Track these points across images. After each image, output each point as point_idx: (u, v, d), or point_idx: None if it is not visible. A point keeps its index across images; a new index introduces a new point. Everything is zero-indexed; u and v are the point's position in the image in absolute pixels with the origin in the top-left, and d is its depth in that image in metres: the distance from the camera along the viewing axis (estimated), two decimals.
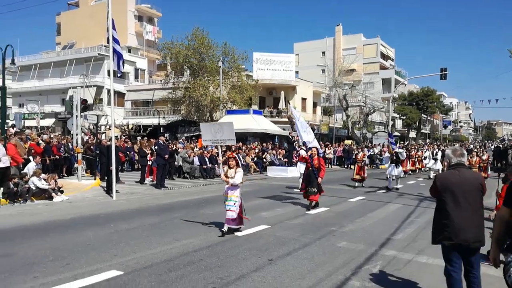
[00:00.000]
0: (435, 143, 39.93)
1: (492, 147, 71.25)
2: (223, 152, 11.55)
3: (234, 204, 7.49)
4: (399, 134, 60.36)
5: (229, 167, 7.64)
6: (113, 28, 11.69)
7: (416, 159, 24.46)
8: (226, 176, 7.58)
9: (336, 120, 45.12)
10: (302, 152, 15.16)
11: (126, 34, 48.73)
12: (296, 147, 26.11)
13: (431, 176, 20.54)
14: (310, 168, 10.72)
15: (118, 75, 13.30)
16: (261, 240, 7.22)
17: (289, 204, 11.71)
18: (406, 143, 42.74)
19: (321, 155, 11.78)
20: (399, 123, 64.36)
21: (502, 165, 28.49)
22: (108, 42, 11.80)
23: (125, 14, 50.38)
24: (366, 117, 46.03)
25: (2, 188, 10.71)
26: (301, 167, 15.30)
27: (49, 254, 6.06)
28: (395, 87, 55.73)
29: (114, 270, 5.34)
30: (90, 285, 4.82)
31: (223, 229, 7.52)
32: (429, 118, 73.43)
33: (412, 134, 67.54)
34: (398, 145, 21.06)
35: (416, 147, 28.56)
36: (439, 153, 21.74)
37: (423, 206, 11.60)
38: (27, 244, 6.66)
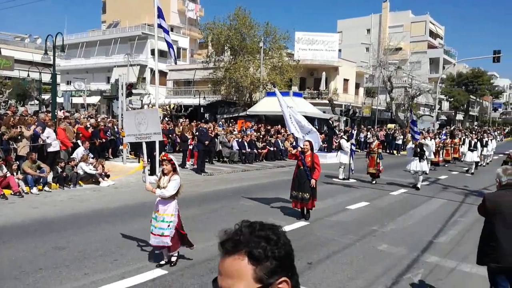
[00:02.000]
0: (483, 130, 37.39)
1: None
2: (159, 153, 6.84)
3: (168, 226, 5.57)
4: (445, 118, 57.98)
5: (163, 173, 5.72)
6: (162, 16, 11.74)
7: (452, 147, 21.62)
8: (158, 186, 5.72)
9: (380, 103, 43.85)
10: (343, 142, 14.96)
11: (169, 13, 49.04)
12: (337, 131, 25.78)
13: (471, 171, 18.44)
14: (302, 167, 8.68)
15: (174, 62, 13.37)
16: (302, 240, 7.23)
17: (328, 197, 11.61)
18: (452, 127, 41.03)
19: (317, 151, 9.55)
20: (445, 105, 61.72)
21: None
22: (158, 27, 11.88)
23: None
24: (412, 99, 44.34)
25: (52, 172, 11.29)
26: (341, 156, 15.13)
27: (98, 248, 6.37)
28: (443, 67, 53.20)
29: (158, 269, 5.54)
30: (137, 285, 5.04)
31: (161, 262, 5.72)
32: (478, 100, 69.87)
33: (459, 116, 64.64)
34: (429, 133, 19.02)
35: (458, 133, 25.23)
36: (478, 143, 19.43)
37: (469, 202, 11.17)
38: (78, 235, 7.03)
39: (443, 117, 54.74)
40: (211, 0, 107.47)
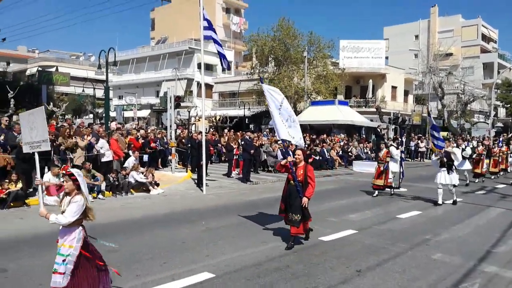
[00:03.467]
0: None
1: None
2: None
3: (64, 261, 4.11)
4: (502, 125, 54.80)
5: (65, 193, 4.27)
6: (212, 28, 12.10)
7: (500, 157, 18.83)
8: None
9: (431, 110, 42.24)
10: (393, 150, 14.48)
11: (214, 27, 50.35)
12: (386, 140, 25.10)
13: None
14: (292, 182, 7.05)
15: (227, 69, 13.72)
16: (349, 248, 7.07)
17: (378, 205, 11.30)
18: (510, 135, 38.71)
19: (297, 142, 8.14)
20: (502, 112, 58.37)
21: None
22: (209, 39, 12.22)
23: (214, 7, 51.98)
24: (465, 106, 42.35)
25: (105, 181, 11.80)
26: (391, 164, 14.64)
27: (148, 251, 6.56)
28: (498, 72, 50.51)
29: (206, 272, 5.61)
30: (186, 287, 5.13)
31: None
32: None
33: None
34: (465, 142, 15.61)
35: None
36: None
37: None
38: (129, 239, 7.28)
39: (500, 124, 51.75)
40: (255, 12, 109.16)
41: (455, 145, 13.15)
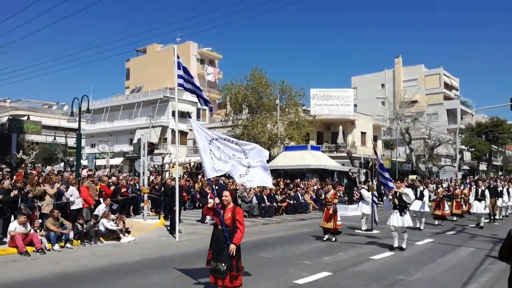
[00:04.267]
0: (491, 177, 34.83)
1: None
2: None
3: None
4: (468, 168, 56.82)
5: None
6: (189, 75, 12.44)
7: (462, 199, 18.43)
8: None
9: (399, 154, 43.56)
10: (364, 192, 14.82)
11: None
12: (358, 184, 25.53)
13: (481, 224, 15.90)
14: (220, 227, 6.24)
15: (210, 110, 13.73)
16: None
17: (351, 247, 11.34)
18: (476, 177, 40.10)
19: (240, 203, 7.46)
20: (467, 156, 60.73)
21: None
22: (181, 86, 12.49)
23: (189, 58, 53.33)
24: (431, 150, 43.99)
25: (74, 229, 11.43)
26: (363, 207, 14.93)
27: None
28: (461, 118, 53.08)
29: None
30: None
31: None
32: (500, 149, 68.58)
33: (483, 167, 63.23)
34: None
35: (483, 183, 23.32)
36: (487, 192, 16.12)
37: (493, 255, 10.72)
38: None
39: (466, 167, 53.66)
40: (228, 63, 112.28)
41: (404, 185, 11.87)
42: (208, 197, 16.64)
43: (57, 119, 54.24)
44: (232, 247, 5.97)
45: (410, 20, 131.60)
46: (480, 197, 16.05)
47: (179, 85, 12.31)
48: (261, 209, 18.67)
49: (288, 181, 24.53)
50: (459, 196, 18.34)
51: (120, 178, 18.11)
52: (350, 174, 26.48)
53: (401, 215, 10.67)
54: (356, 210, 17.48)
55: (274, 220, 17.76)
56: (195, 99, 46.62)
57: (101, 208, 12.82)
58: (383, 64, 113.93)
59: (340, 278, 7.87)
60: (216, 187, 15.97)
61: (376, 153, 15.13)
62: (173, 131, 41.97)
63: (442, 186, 18.98)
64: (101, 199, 13.69)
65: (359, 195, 17.07)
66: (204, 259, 9.23)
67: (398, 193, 10.82)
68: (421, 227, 15.16)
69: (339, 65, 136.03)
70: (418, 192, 15.82)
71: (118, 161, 43.78)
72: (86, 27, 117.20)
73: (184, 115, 43.74)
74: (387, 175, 11.52)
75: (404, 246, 10.74)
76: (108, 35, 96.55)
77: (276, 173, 28.63)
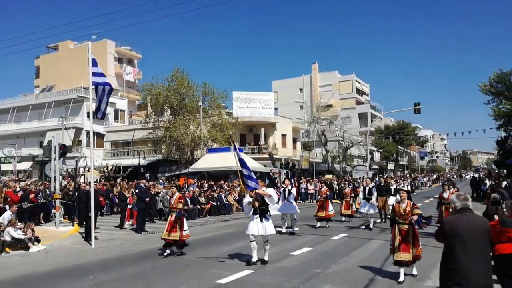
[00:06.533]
0: (386, 176, 34.70)
1: (468, 177, 73.11)
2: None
3: None
4: (378, 167, 61.30)
5: None
6: (95, 65, 11.81)
7: (352, 198, 17.49)
8: None
9: (316, 155, 45.64)
10: (293, 191, 15.14)
11: (106, 76, 48.97)
12: (278, 184, 26.26)
13: (370, 225, 14.84)
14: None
15: (101, 118, 12.83)
16: None
17: (272, 245, 11.56)
18: (385, 175, 43.40)
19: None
20: (377, 156, 65.52)
21: (478, 195, 29.11)
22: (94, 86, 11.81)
23: (105, 56, 50.81)
24: (345, 151, 46.82)
25: None
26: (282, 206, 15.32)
27: None
28: (371, 121, 57.16)
29: None
30: None
31: None
32: (406, 150, 75.09)
33: (391, 166, 68.68)
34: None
35: (390, 181, 22.62)
36: (374, 190, 15.35)
37: None
38: None
39: (376, 167, 57.84)
40: (148, 63, 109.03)
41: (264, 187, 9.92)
42: (128, 201, 15.97)
43: None
44: None
45: (327, 27, 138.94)
46: (367, 196, 15.26)
47: (94, 83, 11.69)
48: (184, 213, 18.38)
49: (212, 183, 24.48)
50: (349, 196, 17.26)
51: (29, 183, 16.71)
52: (272, 174, 27.16)
53: (261, 221, 8.86)
54: (276, 209, 17.87)
55: (197, 222, 17.60)
56: (113, 99, 44.82)
57: (6, 216, 11.75)
58: (302, 70, 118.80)
59: (262, 275, 8.05)
60: (137, 191, 15.38)
61: (233, 143, 12.18)
62: (88, 133, 39.70)
63: (326, 185, 18.03)
64: (7, 206, 12.54)
65: (279, 193, 17.49)
66: (122, 266, 8.88)
67: (259, 194, 9.01)
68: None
69: (261, 69, 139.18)
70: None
71: (26, 165, 40.31)
72: None
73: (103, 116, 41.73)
74: (249, 172, 9.28)
75: (266, 258, 8.91)
76: (15, 30, 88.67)
77: (199, 175, 28.47)
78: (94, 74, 11.75)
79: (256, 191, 9.06)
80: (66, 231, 14.09)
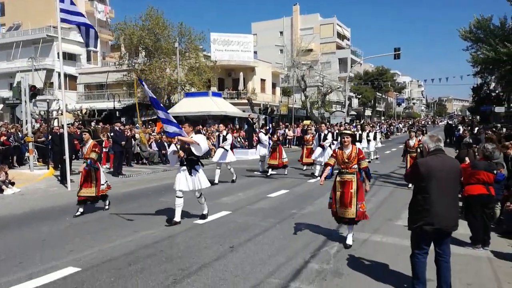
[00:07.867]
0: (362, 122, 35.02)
1: (441, 124, 74.97)
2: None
3: None
4: (355, 113, 61.91)
5: None
6: (72, 4, 11.05)
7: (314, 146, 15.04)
8: None
9: (295, 101, 45.57)
10: (262, 136, 15.28)
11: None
12: (256, 129, 26.29)
13: (316, 173, 13.87)
14: None
15: (94, 48, 12.12)
16: (223, 227, 7.26)
17: (250, 188, 11.81)
18: (362, 121, 43.95)
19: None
20: (355, 102, 65.97)
21: (451, 141, 29.96)
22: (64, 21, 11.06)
23: None
24: (324, 97, 46.84)
25: None
26: (260, 150, 15.45)
27: (1, 253, 5.81)
28: (351, 66, 56.81)
29: (70, 267, 5.20)
30: (46, 284, 4.68)
31: None
32: (383, 96, 75.74)
33: (368, 112, 69.49)
34: None
35: (367, 126, 22.38)
36: (329, 136, 14.07)
37: (378, 184, 12.06)
38: None
39: (354, 113, 58.41)
40: (122, 2, 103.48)
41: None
42: (103, 145, 15.73)
43: None
44: None
45: None
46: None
47: (62, 20, 10.96)
48: (162, 156, 18.32)
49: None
50: (310, 143, 15.24)
51: (0, 125, 16.16)
52: (250, 120, 27.07)
53: (190, 174, 7.47)
54: (255, 154, 18.04)
55: (176, 166, 17.58)
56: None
57: None
58: (282, 12, 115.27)
59: (239, 215, 8.19)
60: (112, 134, 15.11)
61: (140, 80, 8.56)
62: (59, 74, 38.20)
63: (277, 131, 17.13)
64: None
65: (257, 139, 17.54)
66: (97, 207, 8.81)
67: (183, 141, 7.44)
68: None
69: (240, 11, 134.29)
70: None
71: None
72: None
73: (73, 57, 40.11)
74: (167, 116, 7.52)
75: (205, 212, 7.85)
76: None
77: (177, 120, 28.05)
78: (64, 11, 10.96)
79: (180, 138, 7.42)
80: (41, 174, 13.86)
